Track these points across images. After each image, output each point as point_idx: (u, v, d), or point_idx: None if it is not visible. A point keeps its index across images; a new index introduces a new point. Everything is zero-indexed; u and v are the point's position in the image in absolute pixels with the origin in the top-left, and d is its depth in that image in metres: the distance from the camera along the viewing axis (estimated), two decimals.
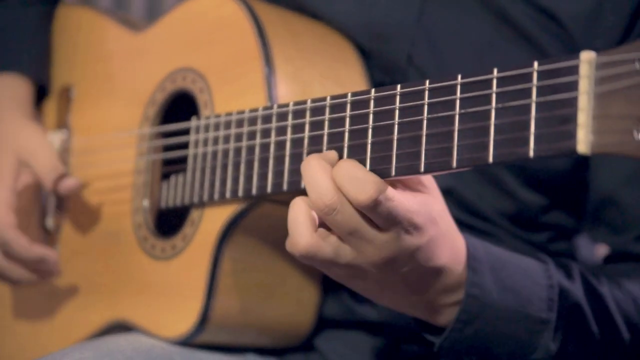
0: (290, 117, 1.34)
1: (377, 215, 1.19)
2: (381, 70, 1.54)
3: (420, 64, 1.52)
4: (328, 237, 1.22)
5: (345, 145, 1.26)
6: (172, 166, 1.58)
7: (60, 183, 1.63)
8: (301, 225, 1.21)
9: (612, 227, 1.49)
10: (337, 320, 1.58)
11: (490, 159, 1.11)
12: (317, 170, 1.21)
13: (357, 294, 1.54)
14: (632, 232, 1.49)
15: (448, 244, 1.27)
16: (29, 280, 1.66)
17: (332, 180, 1.20)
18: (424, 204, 1.22)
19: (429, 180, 1.25)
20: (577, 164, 1.50)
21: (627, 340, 1.39)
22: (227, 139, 1.44)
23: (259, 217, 1.45)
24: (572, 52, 1.43)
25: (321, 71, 1.49)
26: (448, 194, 1.49)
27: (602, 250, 1.57)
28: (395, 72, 1.54)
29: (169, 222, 1.58)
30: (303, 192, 1.33)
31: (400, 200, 1.20)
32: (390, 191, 1.19)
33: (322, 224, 1.23)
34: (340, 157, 1.26)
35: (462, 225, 1.50)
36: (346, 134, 1.27)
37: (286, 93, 1.44)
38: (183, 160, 1.54)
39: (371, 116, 1.24)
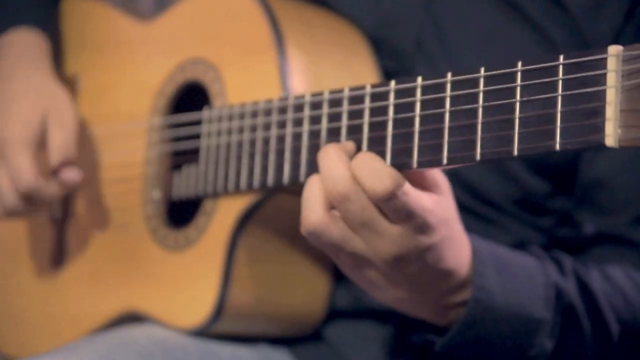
0: (307, 108, 1.34)
1: (391, 208, 1.20)
2: (389, 56, 1.54)
3: (428, 49, 1.53)
4: (339, 221, 1.23)
5: (365, 137, 1.27)
6: (182, 157, 1.58)
7: (63, 169, 1.59)
8: (315, 201, 1.22)
9: (599, 208, 1.50)
10: (346, 311, 1.58)
11: (515, 152, 1.12)
12: (333, 159, 1.22)
13: None
14: (621, 216, 1.49)
15: (456, 246, 1.29)
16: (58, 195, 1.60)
17: (349, 170, 1.21)
18: (438, 204, 1.24)
19: (443, 181, 1.27)
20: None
21: (617, 336, 1.42)
22: (241, 130, 1.44)
23: (274, 208, 1.45)
24: (578, 39, 1.45)
25: (335, 62, 1.49)
26: (452, 177, 1.50)
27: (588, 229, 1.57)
28: (403, 58, 1.54)
29: (179, 213, 1.58)
30: None
31: (416, 196, 1.21)
32: (407, 186, 1.20)
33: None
34: (359, 149, 1.27)
35: (467, 211, 1.51)
36: (365, 126, 1.27)
37: (300, 84, 1.44)
38: (193, 151, 1.54)
39: (391, 108, 1.25)
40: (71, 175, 1.60)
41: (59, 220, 1.73)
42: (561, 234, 1.54)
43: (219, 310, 1.47)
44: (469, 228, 1.51)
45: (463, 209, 1.50)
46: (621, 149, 1.04)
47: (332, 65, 1.48)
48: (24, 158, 1.56)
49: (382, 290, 1.31)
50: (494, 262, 1.33)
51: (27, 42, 1.69)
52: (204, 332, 1.50)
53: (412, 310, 1.36)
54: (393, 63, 1.54)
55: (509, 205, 1.52)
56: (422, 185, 1.25)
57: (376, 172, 1.19)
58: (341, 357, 1.58)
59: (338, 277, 1.57)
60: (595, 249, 1.52)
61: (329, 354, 1.59)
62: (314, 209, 1.23)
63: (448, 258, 1.27)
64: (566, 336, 1.37)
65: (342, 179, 1.20)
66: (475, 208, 1.51)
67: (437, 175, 1.26)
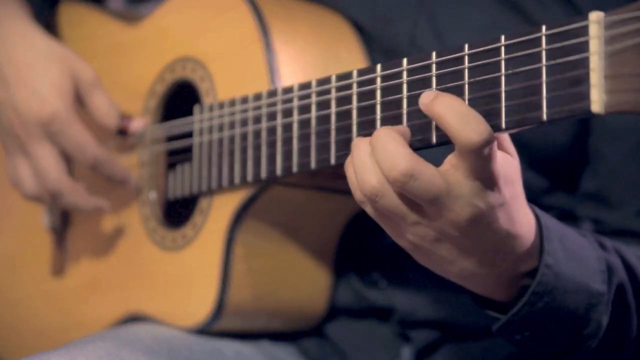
0: (296, 99, 1.34)
1: (481, 159, 1.10)
2: (382, 53, 1.54)
3: (422, 46, 1.52)
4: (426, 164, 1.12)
5: (354, 122, 1.27)
6: (176, 156, 1.57)
7: (129, 124, 1.58)
8: (394, 145, 1.11)
9: (608, 202, 1.47)
10: (347, 308, 1.58)
11: (503, 125, 1.11)
12: (385, 139, 1.12)
13: (367, 279, 1.54)
14: (631, 207, 1.47)
15: (522, 209, 1.20)
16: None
17: (405, 146, 1.12)
18: (501, 162, 1.16)
19: (507, 140, 1.20)
20: (579, 145, 1.49)
21: None
22: (232, 125, 1.44)
23: (269, 200, 1.45)
24: None
25: (321, 52, 1.48)
26: None
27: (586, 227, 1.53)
28: (397, 55, 1.53)
29: (175, 212, 1.58)
30: (315, 173, 1.34)
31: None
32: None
33: None
34: (350, 133, 1.27)
35: None
36: (354, 112, 1.27)
37: (288, 75, 1.44)
38: (187, 149, 1.53)
39: (379, 92, 1.24)
40: (139, 124, 1.59)
41: (58, 229, 1.73)
42: None
43: (220, 308, 1.46)
44: None
45: None
46: (607, 115, 1.03)
47: (319, 54, 1.47)
48: (82, 130, 1.54)
49: (449, 264, 1.19)
50: (557, 228, 1.25)
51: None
52: (206, 330, 1.49)
53: (477, 284, 1.25)
54: (386, 60, 1.53)
55: None
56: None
57: (471, 117, 1.09)
58: (343, 355, 1.57)
59: (337, 273, 1.57)
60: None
61: (332, 351, 1.58)
62: (397, 152, 1.11)
63: (517, 219, 1.18)
64: (617, 312, 1.29)
65: (400, 156, 1.11)
66: None
67: (506, 139, 1.19)
